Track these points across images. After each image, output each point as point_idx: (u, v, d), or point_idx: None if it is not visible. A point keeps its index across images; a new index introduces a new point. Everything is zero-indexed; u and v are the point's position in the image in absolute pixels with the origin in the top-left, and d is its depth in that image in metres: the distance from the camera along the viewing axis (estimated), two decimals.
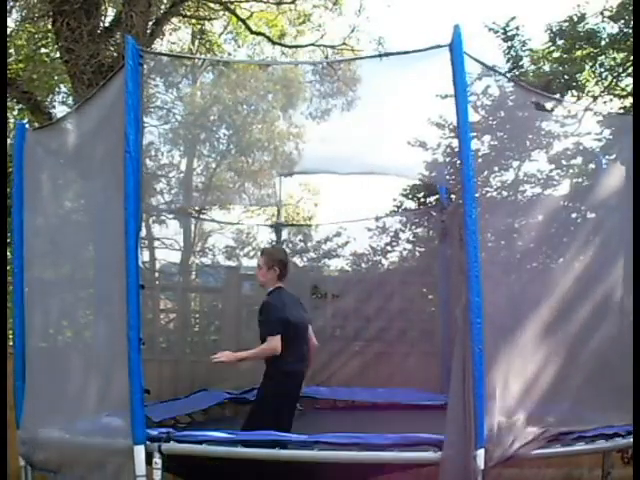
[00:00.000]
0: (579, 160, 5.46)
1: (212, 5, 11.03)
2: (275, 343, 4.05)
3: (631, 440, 3.41)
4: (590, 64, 8.11)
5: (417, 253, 8.06)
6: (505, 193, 5.63)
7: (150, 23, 8.77)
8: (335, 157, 5.73)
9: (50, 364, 4.34)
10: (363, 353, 6.55)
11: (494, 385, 3.39)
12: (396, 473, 3.83)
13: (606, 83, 8.16)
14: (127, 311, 3.37)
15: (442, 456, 3.32)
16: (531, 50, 8.53)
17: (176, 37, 12.05)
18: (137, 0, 7.97)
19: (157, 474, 3.43)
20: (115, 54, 8.02)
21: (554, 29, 8.23)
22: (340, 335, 6.94)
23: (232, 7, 11.35)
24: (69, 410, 3.97)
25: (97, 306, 4.39)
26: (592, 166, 5.33)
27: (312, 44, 12.58)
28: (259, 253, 4.75)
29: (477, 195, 3.54)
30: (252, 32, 12.26)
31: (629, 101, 7.75)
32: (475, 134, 5.56)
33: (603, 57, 8.13)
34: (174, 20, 10.65)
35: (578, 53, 8.06)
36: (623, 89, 8.10)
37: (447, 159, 6.93)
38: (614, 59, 8.12)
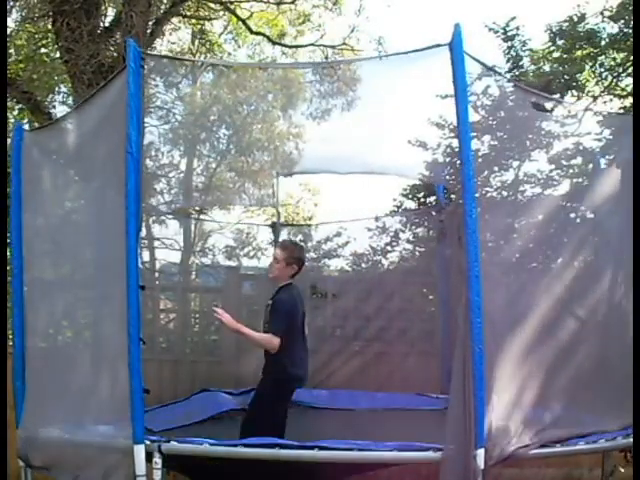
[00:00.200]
0: (579, 160, 5.46)
1: (212, 5, 11.02)
2: (276, 343, 4.09)
3: (631, 440, 3.42)
4: (590, 64, 8.09)
5: (417, 253, 8.05)
6: (505, 193, 5.63)
7: (150, 23, 8.75)
8: (335, 157, 5.73)
9: (50, 364, 4.34)
10: (363, 353, 6.56)
11: (494, 384, 3.39)
12: (396, 473, 3.83)
13: (606, 83, 8.14)
14: (127, 311, 3.37)
15: (442, 456, 3.33)
16: (531, 50, 8.51)
17: (176, 37, 12.06)
18: (137, 0, 7.96)
19: (157, 474, 3.43)
20: (115, 54, 8.01)
21: (554, 29, 8.21)
22: (340, 335, 6.95)
23: (232, 7, 11.34)
24: (69, 410, 3.97)
25: (97, 306, 4.39)
26: (592, 166, 5.33)
27: (312, 44, 12.57)
28: (278, 245, 4.68)
29: (477, 195, 3.54)
30: (252, 32, 12.26)
31: (629, 101, 7.74)
32: (475, 134, 5.56)
33: (603, 57, 8.11)
34: (174, 20, 10.63)
35: (578, 53, 8.04)
36: (623, 89, 8.09)
37: (447, 159, 6.92)
38: (614, 59, 8.10)
